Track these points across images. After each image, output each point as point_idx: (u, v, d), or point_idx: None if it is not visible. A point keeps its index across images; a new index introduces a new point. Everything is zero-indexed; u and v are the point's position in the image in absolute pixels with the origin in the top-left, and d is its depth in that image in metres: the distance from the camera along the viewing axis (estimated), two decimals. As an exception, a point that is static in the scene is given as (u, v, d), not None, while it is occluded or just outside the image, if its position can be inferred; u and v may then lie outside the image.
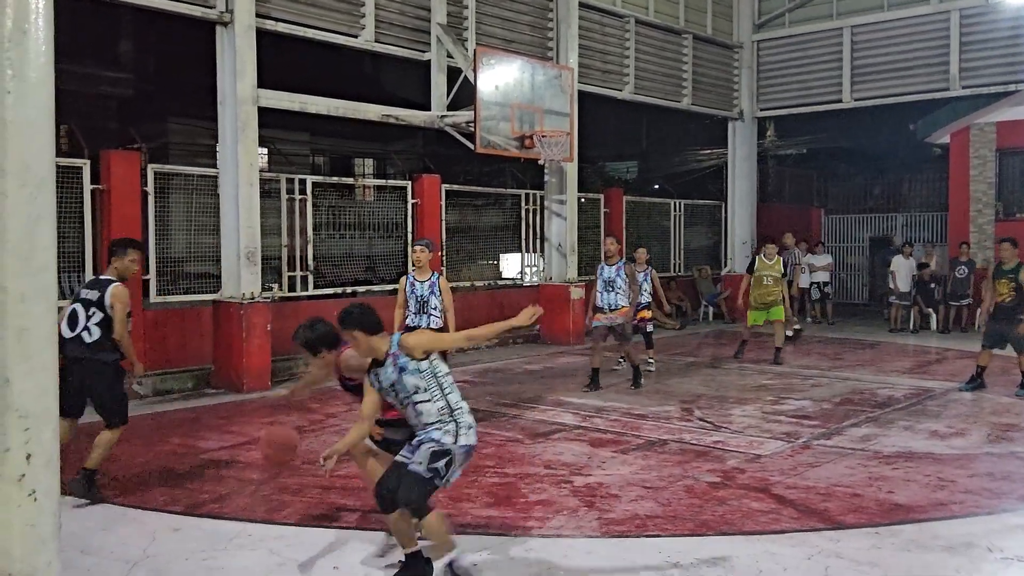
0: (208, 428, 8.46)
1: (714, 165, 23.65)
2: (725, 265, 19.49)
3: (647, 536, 5.32)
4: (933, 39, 16.46)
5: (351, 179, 14.47)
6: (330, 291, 12.62)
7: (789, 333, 13.82)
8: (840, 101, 17.61)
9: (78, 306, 6.14)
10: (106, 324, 6.09)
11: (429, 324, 8.19)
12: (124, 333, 6.15)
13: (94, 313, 6.08)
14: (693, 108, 18.07)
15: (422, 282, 8.42)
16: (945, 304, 16.38)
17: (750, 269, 12.57)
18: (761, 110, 19.09)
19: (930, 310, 16.57)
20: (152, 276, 10.49)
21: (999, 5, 15.43)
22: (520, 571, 4.73)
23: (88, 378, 6.05)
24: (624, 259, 10.88)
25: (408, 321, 8.33)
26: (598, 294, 10.52)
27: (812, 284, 18.24)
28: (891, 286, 16.93)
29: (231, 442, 7.83)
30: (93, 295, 6.14)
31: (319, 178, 13.24)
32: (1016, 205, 16.91)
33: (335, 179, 13.83)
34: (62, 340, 5.69)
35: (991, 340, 9.99)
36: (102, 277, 6.36)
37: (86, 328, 6.06)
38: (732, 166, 19.41)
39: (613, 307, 10.35)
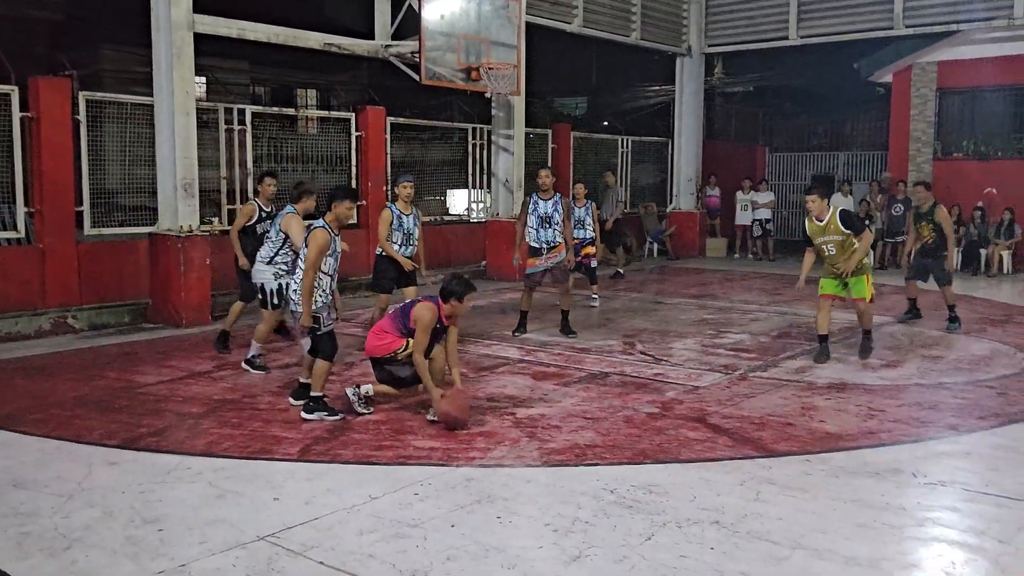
0: (146, 363, 8.33)
1: (662, 102, 23.62)
2: (671, 202, 19.61)
3: (586, 465, 5.42)
4: (879, -23, 16.48)
5: (292, 110, 14.15)
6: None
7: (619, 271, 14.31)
8: (787, 38, 17.60)
9: None
10: None
11: (412, 255, 8.68)
12: None
13: None
14: (642, 43, 17.92)
15: (408, 215, 8.59)
16: (882, 240, 16.74)
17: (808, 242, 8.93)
18: (709, 46, 19.02)
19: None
20: (86, 208, 10.19)
21: (944, -56, 15.47)
22: (460, 499, 4.79)
23: None
24: (559, 193, 9.74)
25: (400, 252, 8.55)
26: (531, 231, 9.42)
27: (754, 221, 18.50)
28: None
29: (169, 376, 7.73)
30: None
31: (259, 108, 12.90)
32: (954, 144, 17.24)
33: (276, 110, 13.51)
34: None
35: (915, 273, 10.57)
36: None
37: None
38: (679, 103, 19.39)
39: (552, 244, 9.39)
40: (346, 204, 6.50)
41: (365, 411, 6.46)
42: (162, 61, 10.30)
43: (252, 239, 8.52)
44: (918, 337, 9.71)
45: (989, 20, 15.55)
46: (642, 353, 8.84)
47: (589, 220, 11.55)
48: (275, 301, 7.84)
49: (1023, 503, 4.81)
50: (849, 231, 8.22)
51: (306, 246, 6.37)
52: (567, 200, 9.83)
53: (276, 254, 7.80)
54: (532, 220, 9.46)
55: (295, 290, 6.44)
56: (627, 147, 19.28)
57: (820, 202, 8.32)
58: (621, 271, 15.12)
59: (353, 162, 13.27)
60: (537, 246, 9.46)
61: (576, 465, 5.42)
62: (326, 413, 6.32)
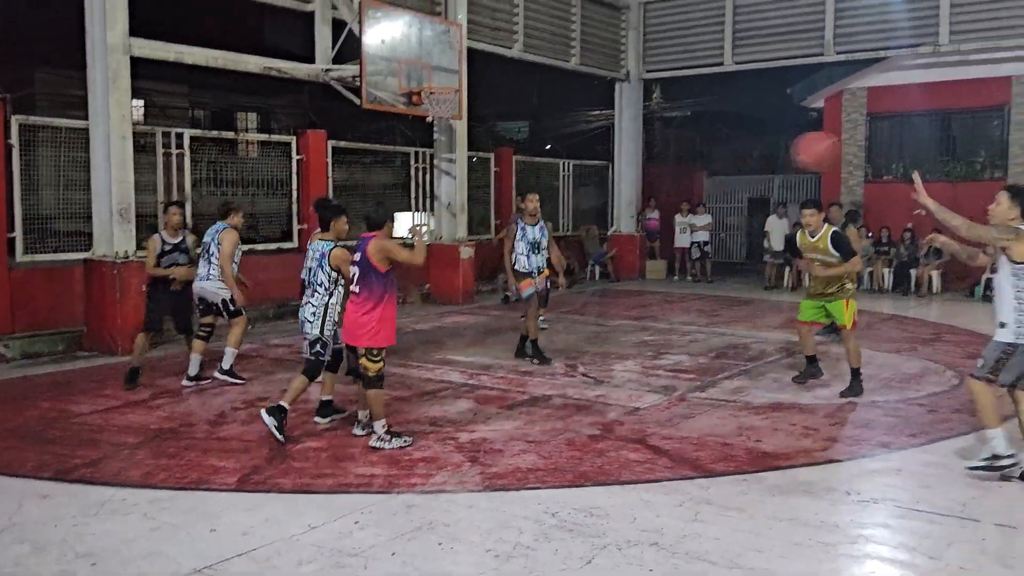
0: (80, 392, 8.14)
1: (602, 126, 23.98)
2: (612, 225, 19.85)
3: (528, 488, 5.45)
4: (810, 5, 16.98)
5: (232, 133, 14.02)
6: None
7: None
8: (722, 64, 18.05)
9: None
10: None
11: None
12: None
13: None
14: (581, 68, 18.19)
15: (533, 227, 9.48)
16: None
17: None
18: (647, 72, 19.39)
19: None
20: (18, 234, 9.95)
21: (871, -25, 16.05)
22: (400, 527, 4.78)
23: None
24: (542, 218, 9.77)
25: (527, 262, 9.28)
26: (521, 257, 9.38)
27: (693, 243, 18.82)
28: (766, 245, 17.64)
29: (104, 406, 7.56)
30: None
31: (198, 132, 12.77)
32: (884, 167, 17.80)
33: (215, 133, 13.35)
34: None
35: None
36: None
37: None
38: (619, 127, 19.70)
39: (540, 269, 9.47)
40: (343, 219, 6.94)
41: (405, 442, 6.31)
42: (98, 85, 10.15)
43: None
44: (851, 356, 9.95)
45: (916, 47, 16.15)
46: (584, 375, 8.92)
47: (545, 241, 10.59)
48: (232, 308, 8.28)
49: (953, 519, 4.96)
50: (838, 254, 7.97)
51: (332, 268, 6.70)
52: (550, 224, 9.93)
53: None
54: (521, 246, 9.42)
55: (313, 313, 6.73)
56: (568, 170, 19.50)
57: (817, 216, 8.13)
58: (508, 295, 14.45)
59: (294, 186, 13.18)
60: (527, 271, 9.44)
61: (518, 489, 5.45)
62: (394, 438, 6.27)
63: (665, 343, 10.86)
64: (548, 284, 10.15)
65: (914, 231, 16.42)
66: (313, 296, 6.73)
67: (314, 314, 6.70)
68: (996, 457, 5.59)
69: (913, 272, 16.19)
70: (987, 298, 15.03)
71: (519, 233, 9.45)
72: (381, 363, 6.25)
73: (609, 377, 8.81)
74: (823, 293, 8.09)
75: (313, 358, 6.73)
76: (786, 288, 17.10)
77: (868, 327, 11.73)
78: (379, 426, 6.29)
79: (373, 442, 6.25)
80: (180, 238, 8.37)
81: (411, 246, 6.41)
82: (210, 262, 8.17)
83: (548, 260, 9.82)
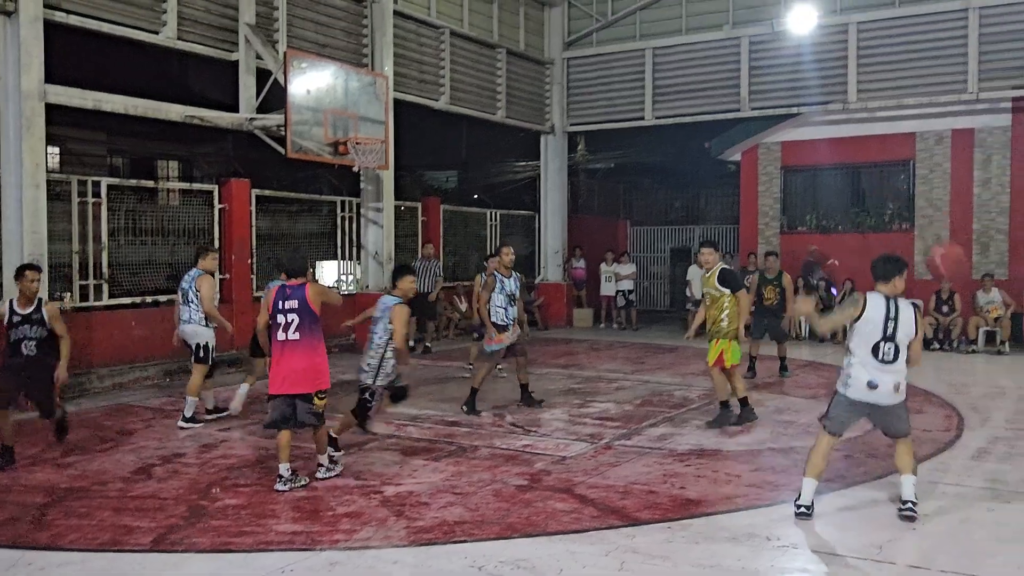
0: None
1: (529, 177, 24.31)
2: (539, 274, 20.02)
3: (454, 542, 5.39)
4: (726, 63, 17.67)
5: (152, 182, 13.77)
6: (128, 300, 11.93)
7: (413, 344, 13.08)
8: (643, 119, 18.56)
9: None
10: None
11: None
12: None
13: None
14: (507, 121, 18.48)
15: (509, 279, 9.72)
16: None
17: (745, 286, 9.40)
18: (571, 125, 19.79)
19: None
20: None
21: (783, 34, 16.79)
22: (324, 584, 4.67)
23: None
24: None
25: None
26: (500, 310, 9.46)
27: (618, 292, 19.09)
28: (688, 294, 18.01)
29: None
30: None
31: (115, 180, 12.49)
32: (798, 219, 18.41)
33: (134, 182, 13.10)
34: None
35: (758, 332, 12.01)
36: None
37: None
38: (545, 178, 20.01)
39: (512, 321, 9.54)
40: (408, 279, 7.56)
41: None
42: (11, 132, 9.89)
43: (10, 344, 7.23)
44: (770, 402, 10.19)
45: (826, 104, 16.89)
46: (512, 425, 8.91)
47: (518, 294, 10.23)
48: (200, 355, 8.66)
49: (868, 562, 5.08)
50: (725, 289, 8.64)
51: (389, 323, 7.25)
52: (573, 272, 10.15)
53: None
54: (500, 299, 9.55)
55: (369, 364, 7.26)
56: (496, 220, 19.66)
57: (714, 255, 8.87)
58: (428, 345, 14.78)
59: (216, 234, 12.98)
60: (504, 323, 9.53)
61: (445, 543, 5.38)
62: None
63: (592, 391, 10.94)
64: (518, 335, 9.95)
65: (829, 280, 16.98)
66: (371, 347, 7.28)
67: (370, 365, 7.26)
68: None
69: (829, 319, 16.67)
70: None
71: (498, 286, 9.59)
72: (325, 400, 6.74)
73: (537, 426, 8.82)
74: (709, 331, 8.88)
75: (360, 404, 7.38)
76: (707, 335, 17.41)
77: (753, 381, 12.07)
78: (325, 458, 6.86)
79: (322, 474, 6.78)
80: (33, 307, 7.23)
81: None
82: (190, 306, 8.72)
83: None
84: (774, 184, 18.55)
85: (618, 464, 7.26)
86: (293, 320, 6.49)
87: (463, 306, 17.24)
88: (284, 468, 6.49)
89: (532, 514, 5.92)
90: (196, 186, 13.95)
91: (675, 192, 25.41)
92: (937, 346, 15.04)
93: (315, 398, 6.54)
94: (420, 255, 14.92)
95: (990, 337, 15.03)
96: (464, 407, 9.45)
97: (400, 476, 6.88)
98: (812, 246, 17.11)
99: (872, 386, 5.79)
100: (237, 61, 12.59)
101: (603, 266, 19.40)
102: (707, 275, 8.88)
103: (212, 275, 8.89)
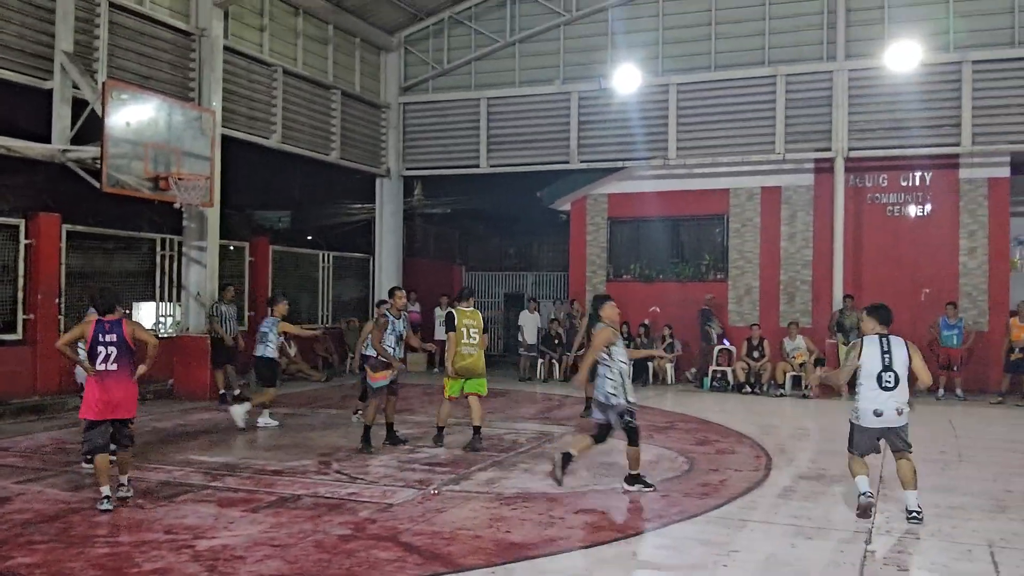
0: None
1: (364, 219, 24.10)
2: (372, 317, 19.76)
3: (270, 596, 5.17)
4: (557, 116, 18.34)
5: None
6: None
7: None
8: (478, 166, 18.93)
9: None
10: None
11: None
12: None
13: None
14: (342, 162, 18.33)
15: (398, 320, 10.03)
16: (565, 355, 18.02)
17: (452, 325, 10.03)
18: (407, 169, 19.88)
19: (554, 360, 18.15)
20: None
21: (610, 91, 17.60)
22: (124, 648, 4.35)
23: None
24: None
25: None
26: (388, 348, 9.86)
27: (452, 336, 19.09)
28: (520, 338, 18.31)
29: None
30: None
31: (-96, 211, 11.45)
32: (623, 267, 19.17)
33: (-74, 213, 12.03)
34: None
35: (592, 374, 12.02)
36: None
37: None
38: (380, 221, 19.94)
39: (399, 359, 10.14)
40: (609, 306, 8.13)
41: None
42: None
43: None
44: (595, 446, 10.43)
45: (649, 159, 17.79)
46: (338, 472, 8.70)
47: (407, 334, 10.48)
48: None
49: (679, 597, 5.27)
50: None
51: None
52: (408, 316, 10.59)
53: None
54: (390, 339, 9.96)
55: (613, 386, 7.86)
56: (328, 262, 19.36)
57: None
58: (231, 392, 13.64)
59: (20, 271, 12.09)
60: (388, 362, 9.97)
61: (259, 597, 5.15)
62: (643, 486, 7.75)
63: (423, 435, 10.85)
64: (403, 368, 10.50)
65: (649, 326, 17.72)
66: (605, 371, 7.75)
67: (615, 386, 7.77)
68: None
69: (650, 364, 17.39)
70: (714, 388, 16.45)
71: (390, 327, 9.99)
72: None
73: (364, 473, 8.65)
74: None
75: (629, 426, 7.85)
76: (539, 379, 17.76)
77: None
78: (126, 479, 7.43)
79: (122, 493, 7.32)
80: None
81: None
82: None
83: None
84: (601, 234, 19.26)
85: (445, 510, 7.22)
86: (112, 352, 7.18)
87: (292, 351, 16.78)
88: (106, 490, 7.04)
89: (354, 565, 5.77)
90: (0, 220, 12.96)
91: (509, 239, 25.90)
92: (748, 389, 15.97)
93: (130, 423, 7.37)
94: (222, 298, 14.14)
95: (796, 381, 16.10)
96: (361, 445, 9.77)
97: (215, 528, 6.55)
98: (709, 295, 17.69)
99: (877, 414, 7.00)
100: (52, 90, 11.90)
101: (437, 310, 19.43)
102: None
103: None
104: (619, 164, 18.23)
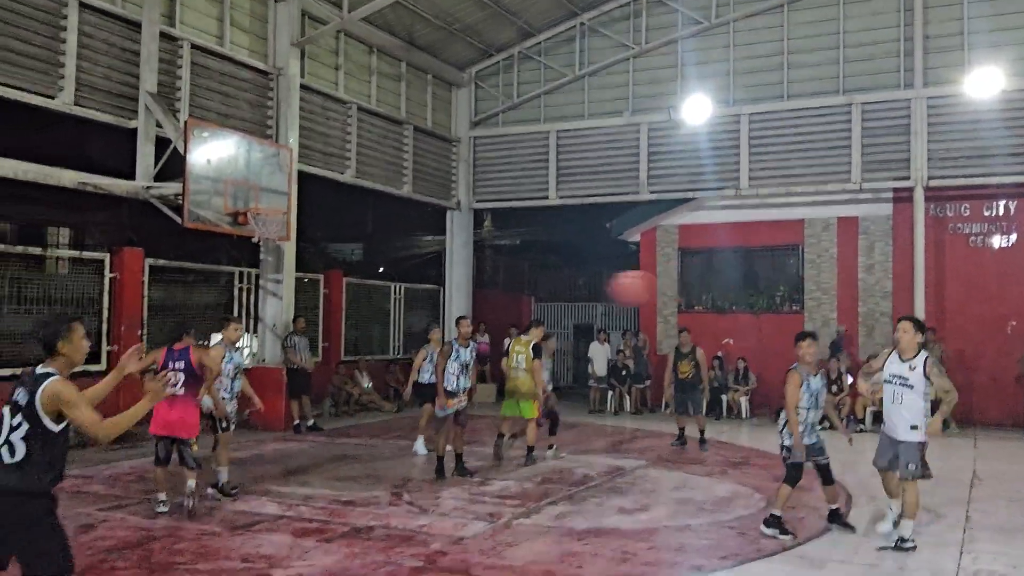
0: None
1: (434, 251, 24.39)
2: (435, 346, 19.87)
3: (343, 628, 5.19)
4: (626, 148, 18.31)
5: (39, 249, 13.23)
6: (8, 372, 11.30)
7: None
8: (547, 198, 18.99)
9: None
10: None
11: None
12: None
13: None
14: (414, 196, 18.60)
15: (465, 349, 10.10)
16: (634, 387, 17.83)
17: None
18: (477, 201, 20.06)
19: (626, 392, 17.97)
20: None
21: (680, 122, 17.51)
22: (202, 677, 4.41)
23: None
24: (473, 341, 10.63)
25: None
26: (452, 377, 10.00)
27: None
28: (590, 370, 18.19)
29: None
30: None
31: (1, 246, 11.98)
32: (695, 299, 18.94)
33: (20, 249, 12.55)
34: None
35: (681, 407, 12.81)
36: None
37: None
38: (450, 253, 20.13)
39: (464, 389, 10.13)
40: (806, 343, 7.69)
41: None
42: None
43: None
44: (668, 480, 10.29)
45: (720, 189, 17.62)
46: (409, 504, 8.73)
47: (472, 364, 10.55)
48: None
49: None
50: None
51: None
52: (477, 347, 10.83)
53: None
54: (454, 367, 10.06)
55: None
56: (400, 293, 19.59)
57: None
58: (305, 423, 14.07)
59: (105, 304, 12.53)
60: (453, 391, 10.07)
61: (333, 629, 5.18)
62: (779, 532, 7.38)
63: (493, 467, 10.83)
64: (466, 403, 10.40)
65: (723, 358, 17.42)
66: (810, 414, 7.64)
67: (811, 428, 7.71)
68: (903, 540, 7.01)
69: (724, 398, 17.08)
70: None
71: (454, 355, 10.08)
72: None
73: (436, 505, 8.66)
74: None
75: (823, 469, 7.81)
76: (610, 412, 17.59)
77: (686, 451, 12.30)
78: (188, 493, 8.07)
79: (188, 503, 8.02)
80: None
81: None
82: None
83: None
84: (672, 265, 19.10)
85: (515, 544, 7.17)
86: (180, 377, 7.92)
87: (365, 381, 16.99)
88: (162, 495, 8.03)
89: (426, 597, 5.77)
90: (86, 254, 13.48)
91: (578, 270, 25.86)
92: (827, 424, 15.50)
93: (190, 443, 8.05)
94: (294, 329, 14.44)
95: (877, 416, 15.58)
96: (435, 474, 9.99)
97: (290, 558, 6.62)
98: (840, 326, 17.25)
99: (889, 424, 7.38)
100: (136, 129, 12.37)
101: (507, 341, 19.43)
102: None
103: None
104: (689, 195, 18.10)
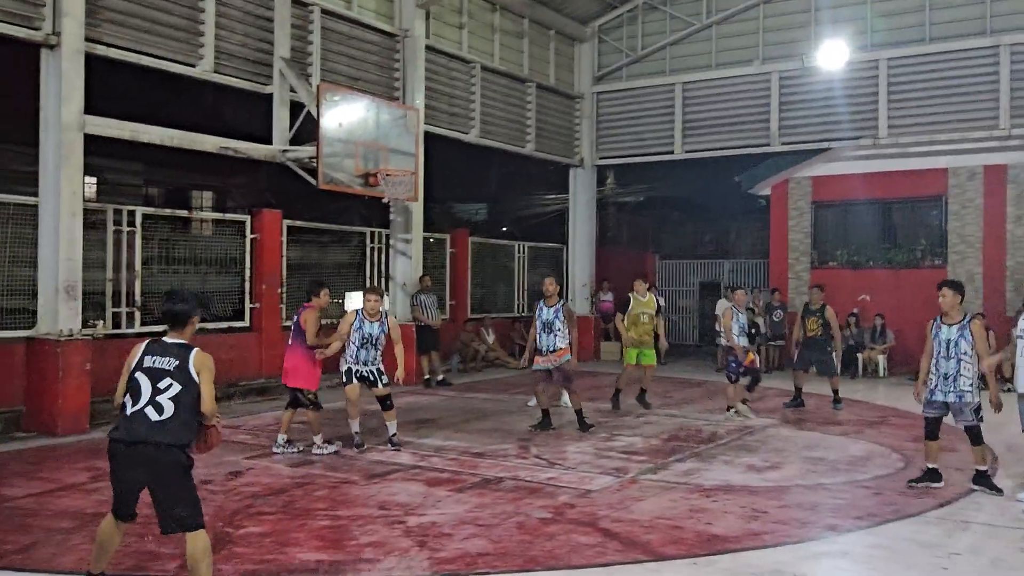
0: (15, 474, 7.87)
1: (557, 210, 24.36)
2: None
3: (476, 573, 5.35)
4: (756, 98, 17.70)
5: (185, 211, 13.98)
6: (159, 328, 12.04)
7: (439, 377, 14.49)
8: (672, 152, 18.62)
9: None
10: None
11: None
12: None
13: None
14: (537, 154, 18.59)
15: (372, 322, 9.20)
16: (766, 344, 17.41)
17: (624, 309, 12.29)
18: (600, 158, 19.87)
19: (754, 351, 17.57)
20: (-42, 310, 9.72)
21: (813, 69, 16.78)
22: (345, 614, 4.65)
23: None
24: (562, 300, 10.51)
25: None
26: (538, 335, 10.31)
27: (646, 325, 18.96)
28: (717, 328, 17.84)
29: (39, 489, 7.31)
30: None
31: (150, 210, 12.73)
32: (829, 254, 18.27)
33: (168, 211, 13.30)
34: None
35: (801, 363, 12.41)
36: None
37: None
38: (573, 211, 20.07)
39: (552, 349, 10.22)
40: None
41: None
42: (49, 161, 10.10)
43: None
44: (800, 438, 10.05)
45: (856, 139, 16.84)
46: (536, 457, 8.87)
47: (559, 323, 10.38)
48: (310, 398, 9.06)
49: (896, 601, 4.97)
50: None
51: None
52: (568, 307, 10.54)
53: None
54: (538, 325, 10.33)
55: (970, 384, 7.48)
56: (523, 252, 19.71)
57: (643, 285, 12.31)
58: (435, 378, 14.53)
59: (247, 264, 13.14)
60: (541, 348, 10.32)
61: (466, 574, 5.35)
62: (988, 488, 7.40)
63: (618, 424, 10.86)
64: (559, 363, 10.38)
65: (859, 315, 16.78)
66: (964, 368, 7.40)
67: (971, 384, 7.42)
68: None
69: (860, 356, 16.48)
70: (931, 382, 15.34)
71: (538, 313, 10.38)
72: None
73: (562, 459, 8.76)
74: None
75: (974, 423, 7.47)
76: (737, 371, 17.24)
77: (816, 409, 11.99)
78: (319, 439, 8.88)
79: (317, 449, 8.80)
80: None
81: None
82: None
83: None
84: (804, 219, 18.45)
85: (643, 498, 7.19)
86: (293, 331, 9.09)
87: (490, 338, 17.27)
88: (280, 437, 8.89)
89: (555, 547, 5.87)
90: (229, 216, 14.16)
91: (704, 226, 25.34)
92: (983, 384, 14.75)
93: (304, 392, 8.84)
94: (420, 287, 14.83)
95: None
96: (537, 427, 10.35)
97: (424, 507, 6.85)
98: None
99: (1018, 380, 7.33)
100: (271, 94, 12.82)
101: (629, 296, 19.31)
102: (644, 299, 12.07)
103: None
104: (824, 145, 17.37)
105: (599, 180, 21.42)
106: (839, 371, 12.98)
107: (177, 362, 4.62)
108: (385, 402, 9.17)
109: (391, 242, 15.33)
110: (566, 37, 19.31)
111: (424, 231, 15.50)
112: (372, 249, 15.49)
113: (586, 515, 6.66)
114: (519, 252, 19.64)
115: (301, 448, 8.87)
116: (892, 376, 16.21)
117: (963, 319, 7.55)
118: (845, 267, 17.87)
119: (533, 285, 19.94)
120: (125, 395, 4.65)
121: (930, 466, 7.63)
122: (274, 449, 8.83)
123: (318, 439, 8.87)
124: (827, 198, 18.25)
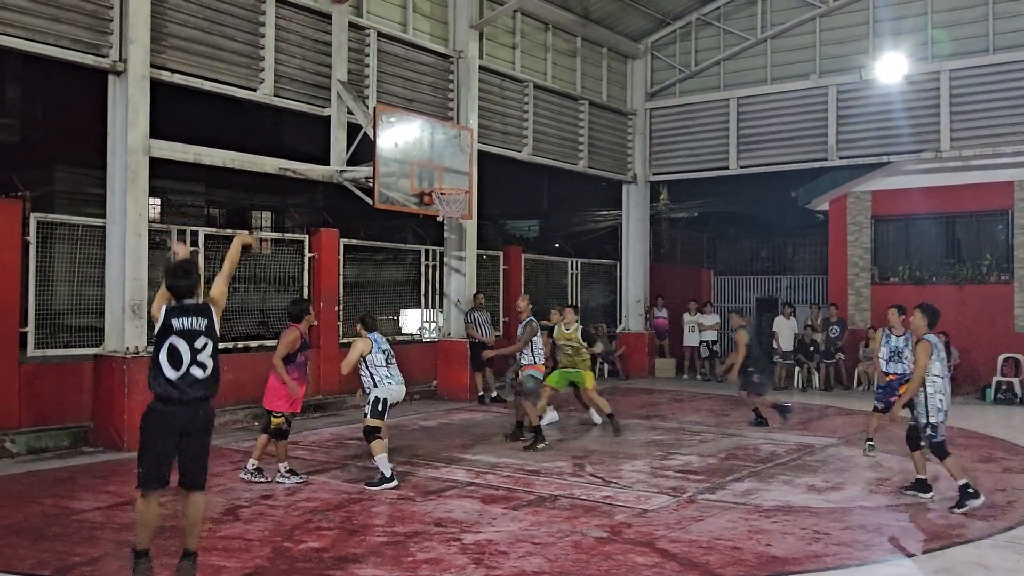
0: (83, 488, 8.09)
1: (610, 226, 24.33)
2: (620, 323, 19.91)
3: (533, 593, 5.35)
4: (813, 112, 17.47)
5: (246, 232, 14.27)
6: (220, 346, 12.30)
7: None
8: (727, 168, 18.45)
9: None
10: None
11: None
12: None
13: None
14: (589, 171, 18.60)
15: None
16: (823, 362, 17.12)
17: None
18: (654, 174, 19.79)
19: (813, 368, 17.28)
20: (31, 329, 10.05)
21: (872, 82, 16.52)
22: (403, 631, 4.67)
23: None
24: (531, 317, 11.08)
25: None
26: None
27: (701, 343, 18.84)
28: (775, 346, 17.61)
29: (107, 502, 7.50)
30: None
31: (212, 230, 13.02)
32: (890, 269, 17.91)
33: (229, 231, 13.59)
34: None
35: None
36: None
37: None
38: (626, 227, 20.00)
39: (520, 364, 10.98)
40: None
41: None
42: (116, 184, 10.42)
43: None
44: (862, 459, 9.84)
45: (918, 152, 16.51)
46: (591, 475, 8.83)
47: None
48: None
49: (965, 628, 4.84)
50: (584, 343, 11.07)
51: None
52: (530, 323, 10.95)
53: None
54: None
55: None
56: (576, 269, 19.69)
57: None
58: (488, 394, 14.51)
59: (305, 282, 13.36)
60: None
61: (523, 593, 5.34)
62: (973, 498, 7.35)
63: (675, 442, 10.76)
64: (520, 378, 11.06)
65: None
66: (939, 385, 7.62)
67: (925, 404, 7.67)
68: None
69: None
70: (998, 401, 14.93)
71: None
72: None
73: (617, 477, 8.71)
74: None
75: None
76: (796, 388, 16.99)
77: (879, 429, 11.66)
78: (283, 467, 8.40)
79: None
80: None
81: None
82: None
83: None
84: (864, 234, 18.13)
85: (701, 518, 7.10)
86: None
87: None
88: (283, 467, 8.38)
89: (612, 567, 5.83)
90: (288, 235, 14.43)
91: (760, 241, 24.98)
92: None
93: (277, 416, 8.47)
94: (473, 304, 14.94)
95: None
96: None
97: (479, 524, 6.87)
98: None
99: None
100: (329, 116, 13.05)
101: (686, 316, 19.19)
102: (568, 331, 11.14)
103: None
104: (883, 159, 17.05)
105: (652, 196, 21.33)
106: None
107: (206, 321, 5.37)
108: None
109: (445, 259, 15.45)
110: (619, 54, 19.33)
111: (478, 248, 15.60)
112: (427, 267, 15.63)
113: (643, 535, 6.61)
114: (572, 268, 19.62)
115: (269, 479, 8.29)
116: (956, 396, 15.75)
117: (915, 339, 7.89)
118: (907, 283, 17.49)
119: (586, 301, 19.91)
120: (159, 357, 5.23)
121: (919, 477, 7.98)
122: (242, 475, 8.34)
123: (282, 467, 8.32)
124: (888, 212, 17.92)
